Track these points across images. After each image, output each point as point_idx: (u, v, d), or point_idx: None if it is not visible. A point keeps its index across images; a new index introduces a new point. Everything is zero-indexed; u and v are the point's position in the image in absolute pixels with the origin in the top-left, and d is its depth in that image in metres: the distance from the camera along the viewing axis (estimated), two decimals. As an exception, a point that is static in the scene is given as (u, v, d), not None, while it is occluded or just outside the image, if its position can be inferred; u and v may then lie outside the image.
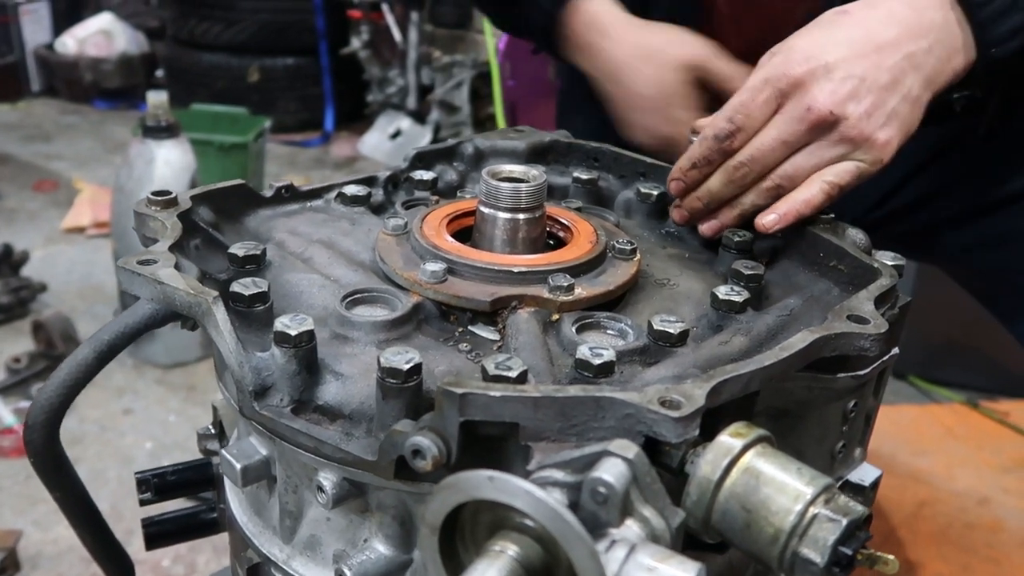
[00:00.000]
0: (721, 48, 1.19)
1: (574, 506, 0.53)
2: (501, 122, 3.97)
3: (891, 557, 0.55)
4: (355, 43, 4.77)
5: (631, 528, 0.53)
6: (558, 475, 0.55)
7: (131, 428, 2.32)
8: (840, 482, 0.92)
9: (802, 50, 0.90)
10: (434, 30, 4.76)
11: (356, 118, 5.05)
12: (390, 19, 4.59)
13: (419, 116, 4.66)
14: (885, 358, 0.89)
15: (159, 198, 0.84)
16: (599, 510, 0.52)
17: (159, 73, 5.28)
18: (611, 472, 0.52)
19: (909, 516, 2.05)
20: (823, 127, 0.89)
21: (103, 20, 5.34)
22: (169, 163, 2.44)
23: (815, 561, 0.54)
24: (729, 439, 0.58)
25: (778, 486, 0.56)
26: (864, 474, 0.95)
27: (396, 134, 4.68)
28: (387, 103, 4.81)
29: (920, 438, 2.37)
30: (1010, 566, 1.94)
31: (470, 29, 4.78)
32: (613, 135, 1.17)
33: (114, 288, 2.77)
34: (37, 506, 2.02)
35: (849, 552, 0.54)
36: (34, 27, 5.31)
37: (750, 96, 0.90)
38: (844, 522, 0.54)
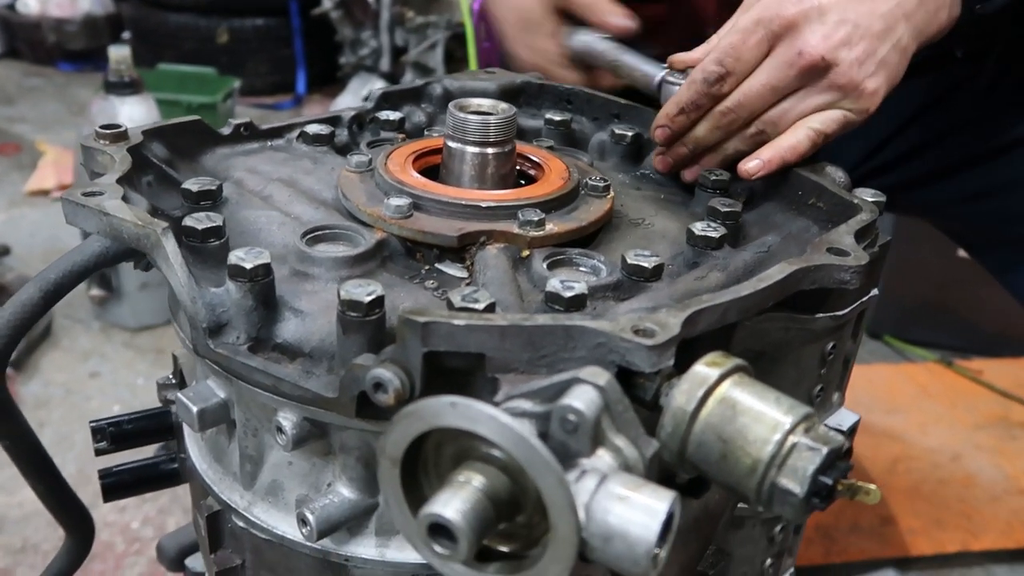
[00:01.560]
0: None
1: (543, 436, 0.51)
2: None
3: (872, 487, 0.53)
4: (327, 3, 4.64)
5: (602, 458, 0.50)
6: (526, 405, 0.52)
7: (98, 392, 2.27)
8: (819, 427, 0.90)
9: None
10: (407, -10, 4.66)
11: (328, 80, 4.94)
12: (362, -22, 4.48)
13: (393, 78, 4.57)
14: (864, 299, 0.87)
15: (108, 131, 0.79)
16: (569, 439, 0.50)
17: (125, 35, 5.13)
18: (581, 399, 0.50)
19: (883, 472, 2.05)
20: (813, 72, 0.86)
21: (66, -21, 5.18)
22: (133, 120, 2.35)
23: (794, 491, 0.52)
24: (705, 368, 0.56)
25: (755, 415, 0.54)
26: (842, 419, 0.93)
27: (369, 97, 4.59)
28: (360, 65, 4.70)
29: (894, 396, 2.37)
30: (981, 520, 1.95)
31: (445, -11, 4.69)
32: None
33: (79, 251, 2.69)
34: (3, 469, 1.97)
35: (829, 482, 0.52)
36: (-6, -14, 5.14)
37: (741, 38, 0.86)
38: (824, 451, 0.52)
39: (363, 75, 4.68)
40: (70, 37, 5.05)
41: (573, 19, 1.12)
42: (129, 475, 0.88)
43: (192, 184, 0.78)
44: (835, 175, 0.90)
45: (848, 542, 1.85)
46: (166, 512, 1.85)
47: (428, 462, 0.52)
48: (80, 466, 1.95)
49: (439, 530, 0.47)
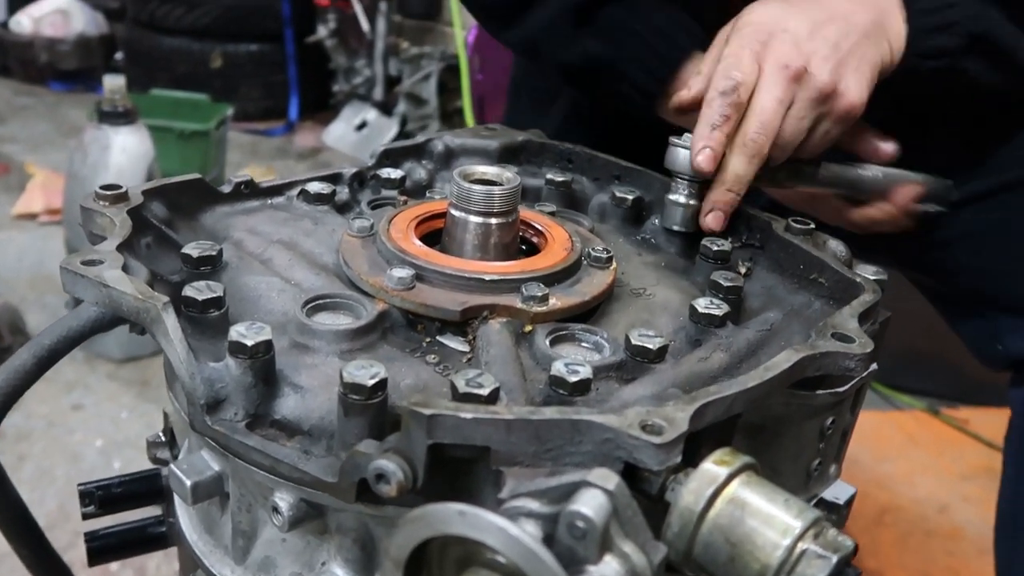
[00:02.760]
0: None
1: (549, 539, 0.50)
2: (469, 116, 3.92)
3: (882, 596, 0.52)
4: (322, 31, 4.67)
5: (610, 565, 0.49)
6: (532, 505, 0.51)
7: (81, 424, 2.24)
8: (815, 500, 0.90)
9: (763, 21, 0.96)
10: (403, 20, 4.68)
11: (321, 108, 4.95)
12: (358, 8, 4.50)
13: (385, 108, 4.59)
14: (864, 375, 0.87)
15: (108, 192, 0.78)
16: (576, 545, 0.49)
17: (118, 56, 5.13)
18: (590, 505, 0.49)
19: (871, 523, 2.05)
20: (799, 78, 0.93)
21: (60, -1, 5.18)
22: (126, 150, 2.36)
23: (803, 600, 0.51)
24: (713, 467, 0.55)
25: (765, 518, 0.53)
26: (839, 492, 0.93)
27: (362, 125, 4.60)
28: (353, 93, 4.72)
29: (882, 444, 2.38)
30: (969, 574, 1.95)
31: (439, 20, 4.71)
32: (565, 135, 1.14)
33: (66, 278, 2.66)
34: (-22, 505, 1.93)
35: (839, 590, 0.51)
36: (-13, 4, 5.13)
37: (735, 56, 0.93)
38: (834, 559, 0.52)
39: (356, 103, 4.70)
40: (62, 57, 5.05)
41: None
42: (116, 539, 0.86)
43: (192, 249, 0.77)
44: (836, 249, 0.90)
45: (836, 596, 1.84)
46: (146, 555, 1.82)
47: (432, 563, 0.51)
48: (60, 502, 1.92)
49: (444, 641, 0.46)
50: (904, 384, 2.62)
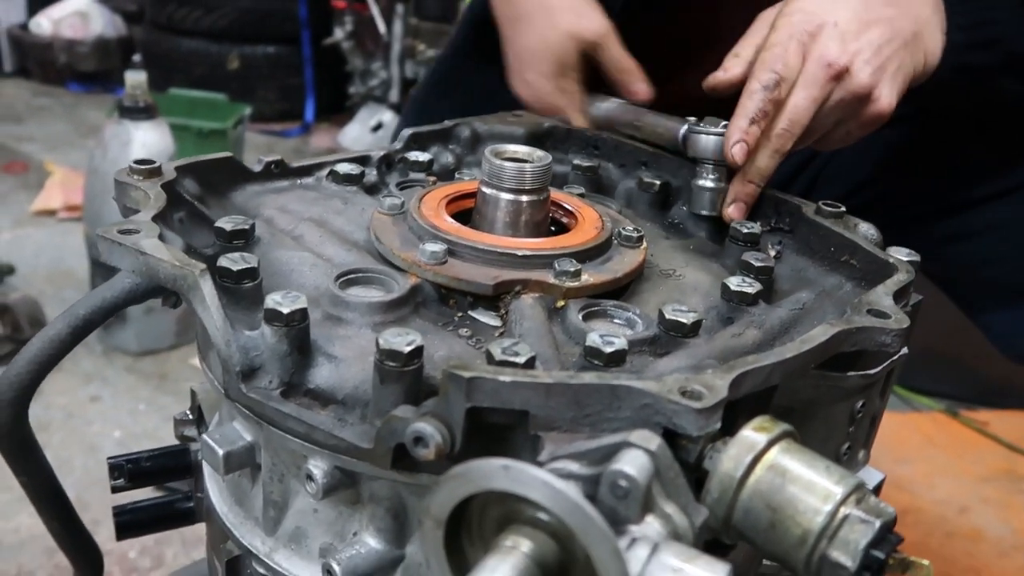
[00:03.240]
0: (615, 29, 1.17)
1: (591, 500, 0.49)
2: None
3: (926, 562, 0.52)
4: (338, 33, 4.70)
5: (652, 525, 0.49)
6: (573, 467, 0.51)
7: (99, 416, 2.25)
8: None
9: (808, 10, 0.94)
10: (419, 23, 4.69)
11: (337, 110, 4.97)
12: (375, 10, 4.52)
13: (401, 110, 4.60)
14: (895, 357, 0.86)
15: (142, 167, 0.79)
16: (619, 505, 0.49)
17: (136, 58, 5.15)
18: (633, 464, 0.49)
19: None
20: (838, 78, 0.92)
21: (80, 1, 5.22)
22: (146, 146, 2.37)
23: (846, 565, 0.51)
24: (753, 434, 0.55)
25: (806, 484, 0.53)
26: (868, 477, 0.92)
27: (377, 127, 4.61)
28: (369, 95, 4.74)
29: (901, 446, 2.36)
30: (989, 576, 1.93)
31: (454, 23, 4.72)
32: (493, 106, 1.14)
33: (84, 273, 2.69)
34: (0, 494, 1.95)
35: (881, 556, 0.51)
36: (8, 6, 5.17)
37: (782, 48, 0.91)
38: (877, 524, 0.51)
39: (372, 105, 4.71)
40: (81, 58, 5.09)
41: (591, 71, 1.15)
42: (144, 513, 0.87)
43: (226, 223, 0.77)
44: (868, 232, 0.89)
45: (855, 595, 1.82)
46: (164, 542, 1.83)
47: (472, 524, 0.51)
48: (78, 492, 1.92)
49: (486, 597, 0.46)
50: (923, 386, 2.60)
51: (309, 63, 4.82)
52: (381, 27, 4.51)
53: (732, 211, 0.93)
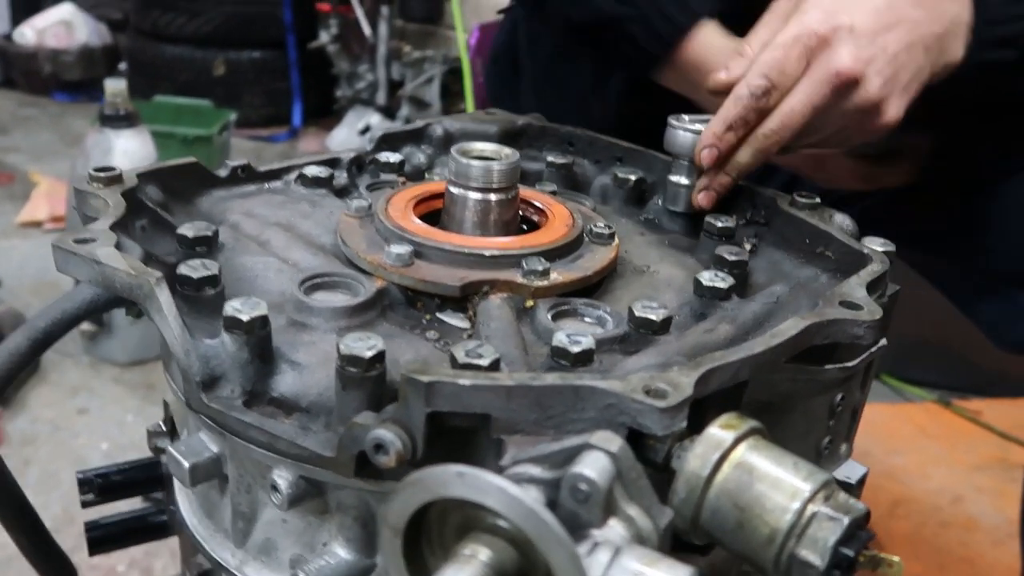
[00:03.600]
0: None
1: (552, 505, 0.48)
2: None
3: (896, 558, 0.50)
4: (324, 37, 4.67)
5: (615, 528, 0.48)
6: (534, 471, 0.50)
7: (86, 428, 2.23)
8: (826, 479, 0.88)
9: (825, 8, 0.87)
10: (404, 25, 4.68)
11: (324, 113, 4.95)
12: (360, 13, 4.50)
13: (389, 112, 4.58)
14: (873, 349, 0.85)
15: (102, 174, 0.78)
16: (580, 509, 0.47)
17: (122, 66, 5.14)
18: (593, 467, 0.47)
19: (883, 515, 2.03)
20: (843, 89, 0.87)
21: (64, 10, 5.19)
22: (128, 154, 2.35)
23: (814, 564, 0.50)
24: (719, 431, 0.54)
25: (773, 482, 0.52)
26: (851, 471, 0.91)
27: (365, 130, 4.59)
28: (356, 98, 4.72)
29: (893, 437, 2.35)
30: (984, 565, 1.92)
31: (440, 24, 4.71)
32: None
33: (70, 285, 2.66)
34: (-16, 509, 1.92)
35: (851, 554, 0.50)
36: (-9, 17, 5.16)
37: (783, 53, 0.86)
38: (846, 521, 0.50)
39: (359, 108, 4.69)
40: (66, 68, 5.06)
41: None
42: (116, 528, 0.85)
43: (187, 229, 0.76)
44: (843, 223, 0.88)
45: (849, 588, 1.82)
46: (152, 554, 1.81)
47: (432, 531, 0.50)
48: (65, 506, 1.91)
49: (444, 607, 0.45)
50: (914, 376, 2.60)
51: (295, 67, 4.80)
52: (366, 30, 4.49)
53: (701, 198, 0.91)
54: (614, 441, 0.49)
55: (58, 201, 3.41)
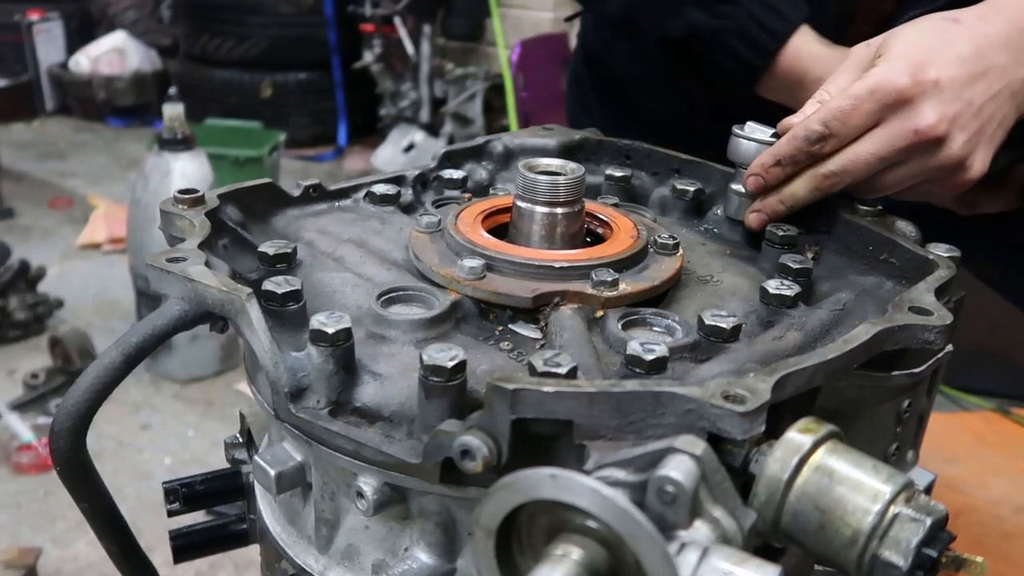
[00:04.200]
0: None
1: (638, 507, 0.50)
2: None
3: (979, 559, 0.51)
4: (367, 57, 4.76)
5: (701, 530, 0.49)
6: (619, 474, 0.52)
7: (149, 443, 2.29)
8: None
9: (911, 59, 0.84)
10: (446, 43, 4.75)
11: (369, 132, 5.04)
12: (402, 32, 4.58)
13: (432, 129, 4.65)
14: (939, 355, 0.85)
15: (186, 196, 0.81)
16: (667, 511, 0.49)
17: (172, 90, 5.27)
18: (679, 470, 0.49)
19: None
20: (924, 147, 0.84)
21: (116, 38, 5.36)
22: (186, 175, 2.42)
23: (898, 564, 0.51)
24: (798, 435, 0.55)
25: (854, 484, 0.53)
26: (918, 478, 0.91)
27: (409, 147, 4.66)
28: (400, 116, 4.80)
29: (951, 446, 2.32)
30: (1050, 575, 1.89)
31: (482, 41, 4.77)
32: (625, 133, 1.14)
33: (130, 303, 2.75)
34: (56, 523, 1.99)
35: (934, 554, 0.51)
36: (48, 46, 5.33)
37: (851, 105, 0.84)
38: (928, 522, 0.51)
39: (403, 126, 4.77)
40: (119, 93, 5.22)
41: None
42: (199, 536, 0.89)
43: (269, 247, 0.79)
44: (906, 229, 0.89)
45: (912, 599, 1.79)
46: (217, 567, 1.85)
47: (522, 532, 0.52)
48: (132, 519, 1.94)
49: (539, 605, 0.46)
50: (971, 385, 2.56)
51: (340, 87, 4.89)
52: (409, 49, 4.56)
53: (752, 219, 0.92)
54: (698, 445, 0.50)
55: (115, 223, 3.51)
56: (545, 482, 0.47)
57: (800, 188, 0.88)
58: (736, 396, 0.55)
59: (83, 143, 4.95)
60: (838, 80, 0.89)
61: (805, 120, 0.86)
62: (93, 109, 5.26)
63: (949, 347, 0.88)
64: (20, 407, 2.28)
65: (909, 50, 0.84)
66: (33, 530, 1.95)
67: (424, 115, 4.68)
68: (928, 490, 0.91)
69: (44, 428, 2.21)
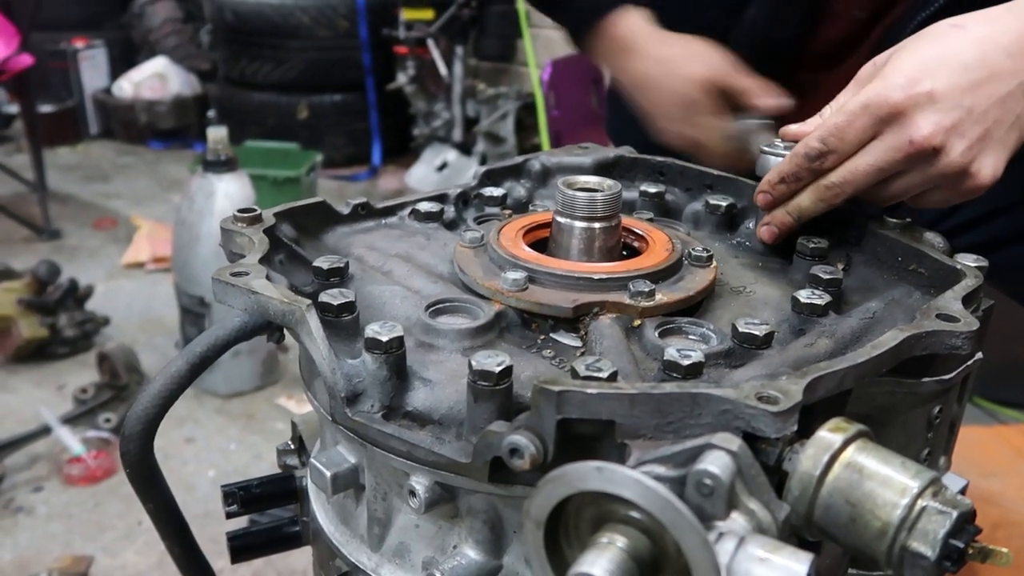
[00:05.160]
0: (738, 60, 1.27)
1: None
2: (546, 148, 4.01)
3: (1005, 550, 0.54)
4: (401, 78, 4.85)
5: (737, 520, 0.52)
6: (659, 470, 0.55)
7: (193, 456, 2.35)
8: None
9: (907, 73, 0.86)
10: (478, 63, 4.83)
11: (403, 151, 5.12)
12: (435, 54, 4.66)
13: (465, 148, 4.72)
14: (969, 363, 0.88)
15: (245, 215, 0.86)
16: (705, 503, 0.52)
17: (211, 113, 5.41)
18: (716, 464, 0.52)
19: (983, 539, 1.99)
20: (922, 157, 0.86)
21: (157, 64, 5.51)
22: (229, 196, 2.50)
23: (926, 555, 0.54)
24: (829, 434, 0.58)
25: (883, 480, 0.56)
26: (950, 483, 0.93)
27: (443, 166, 4.73)
28: (433, 136, 4.87)
29: (989, 459, 2.30)
30: (1091, 589, 1.87)
31: (513, 62, 4.84)
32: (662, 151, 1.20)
33: (174, 320, 2.82)
34: (106, 533, 2.05)
35: (960, 545, 0.53)
36: (92, 72, 5.49)
37: (847, 121, 0.87)
38: (954, 514, 0.54)
39: (436, 145, 4.84)
40: (160, 117, 5.36)
41: (729, 101, 1.24)
42: (255, 538, 0.93)
43: (323, 262, 0.83)
44: (934, 240, 0.91)
45: (949, 612, 1.79)
46: (260, 573, 1.90)
47: (569, 524, 0.56)
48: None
49: (587, 589, 0.50)
50: (1009, 398, 2.54)
51: (374, 108, 4.98)
52: (442, 70, 4.64)
53: (763, 232, 0.96)
54: (734, 441, 0.54)
55: (159, 243, 3.61)
56: (592, 474, 0.51)
57: (805, 200, 0.92)
58: (769, 397, 0.58)
59: (126, 165, 5.09)
60: (839, 98, 0.93)
61: (806, 138, 0.89)
62: (135, 132, 5.41)
63: (979, 355, 0.91)
64: (70, 421, 2.35)
65: (906, 64, 0.86)
66: (84, 539, 2.01)
67: (457, 134, 4.74)
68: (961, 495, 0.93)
69: (93, 441, 2.29)
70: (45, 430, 2.28)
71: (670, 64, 1.29)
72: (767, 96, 1.23)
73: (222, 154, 2.50)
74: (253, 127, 4.81)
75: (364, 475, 0.76)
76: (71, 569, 1.77)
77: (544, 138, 4.08)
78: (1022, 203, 1.27)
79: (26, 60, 3.54)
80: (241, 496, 0.90)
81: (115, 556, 1.96)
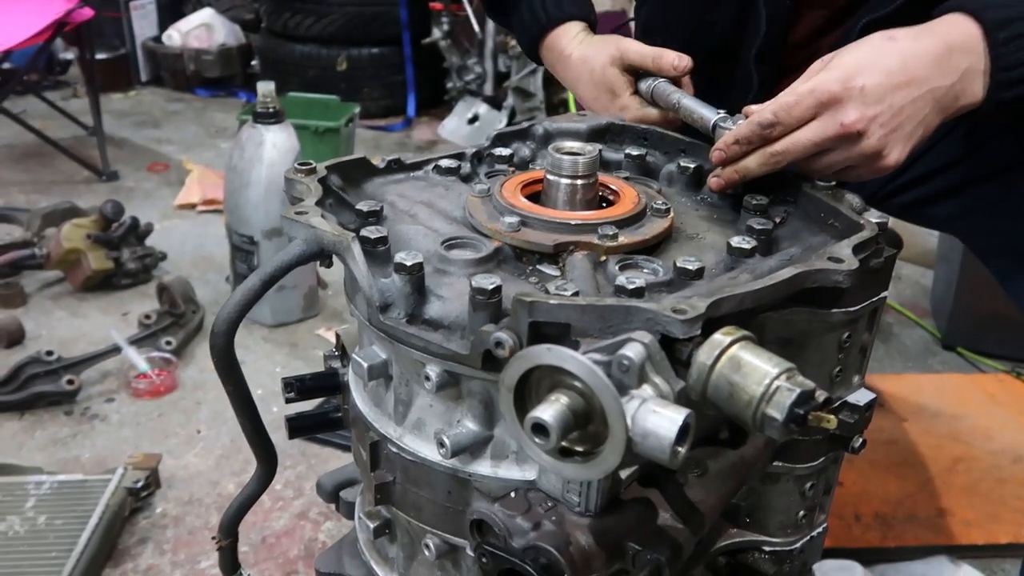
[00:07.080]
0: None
1: (606, 375, 0.77)
2: (572, 107, 4.19)
3: (832, 417, 0.77)
4: (436, 33, 5.03)
5: (645, 390, 0.76)
6: (596, 355, 0.79)
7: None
8: (839, 401, 1.12)
9: (846, 70, 1.06)
10: (511, 19, 4.97)
11: (436, 104, 5.32)
12: (469, 10, 4.84)
13: (495, 102, 4.91)
14: (874, 299, 1.10)
15: (303, 167, 1.10)
16: (623, 377, 0.76)
17: (254, 63, 5.64)
18: (632, 350, 0.76)
19: (943, 470, 2.21)
20: (847, 138, 1.07)
21: (204, 14, 5.74)
22: (276, 146, 2.74)
23: (776, 417, 0.77)
24: (720, 336, 0.81)
25: (753, 368, 0.79)
26: (860, 396, 1.15)
27: (474, 119, 4.93)
28: (465, 89, 5.07)
29: (963, 403, 2.51)
30: (1037, 517, 2.09)
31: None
32: None
33: (223, 258, 3.09)
34: (169, 439, 2.35)
35: (801, 412, 0.77)
36: (142, 22, 5.74)
37: (795, 100, 1.07)
38: (798, 391, 0.77)
39: (468, 99, 5.03)
40: (207, 66, 5.60)
41: (637, 72, 1.44)
42: (308, 420, 1.19)
43: (363, 206, 1.07)
44: (852, 200, 1.12)
45: (904, 529, 2.02)
46: (303, 478, 2.19)
47: (531, 390, 0.80)
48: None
49: (538, 429, 0.74)
50: (989, 349, 2.74)
51: (410, 62, 5.18)
52: (475, 26, 4.82)
53: (712, 182, 1.18)
54: (646, 336, 0.77)
55: (209, 186, 3.88)
56: (544, 353, 0.75)
57: (752, 162, 1.13)
58: (680, 310, 0.82)
59: (175, 112, 5.35)
60: (795, 84, 1.13)
61: (762, 109, 1.11)
62: (183, 80, 5.66)
63: (884, 293, 1.13)
64: (135, 343, 2.64)
65: (846, 63, 1.09)
66: (151, 443, 2.31)
67: (488, 88, 4.94)
68: (868, 407, 1.15)
69: (156, 360, 2.57)
70: (115, 349, 2.57)
71: (587, 60, 1.48)
72: (665, 58, 1.38)
73: (271, 106, 2.74)
74: (294, 78, 5.04)
75: (392, 367, 1.01)
76: (144, 464, 2.06)
77: (571, 94, 4.26)
78: (967, 157, 1.45)
79: (87, 13, 3.79)
80: (298, 386, 1.16)
81: (178, 458, 2.26)
